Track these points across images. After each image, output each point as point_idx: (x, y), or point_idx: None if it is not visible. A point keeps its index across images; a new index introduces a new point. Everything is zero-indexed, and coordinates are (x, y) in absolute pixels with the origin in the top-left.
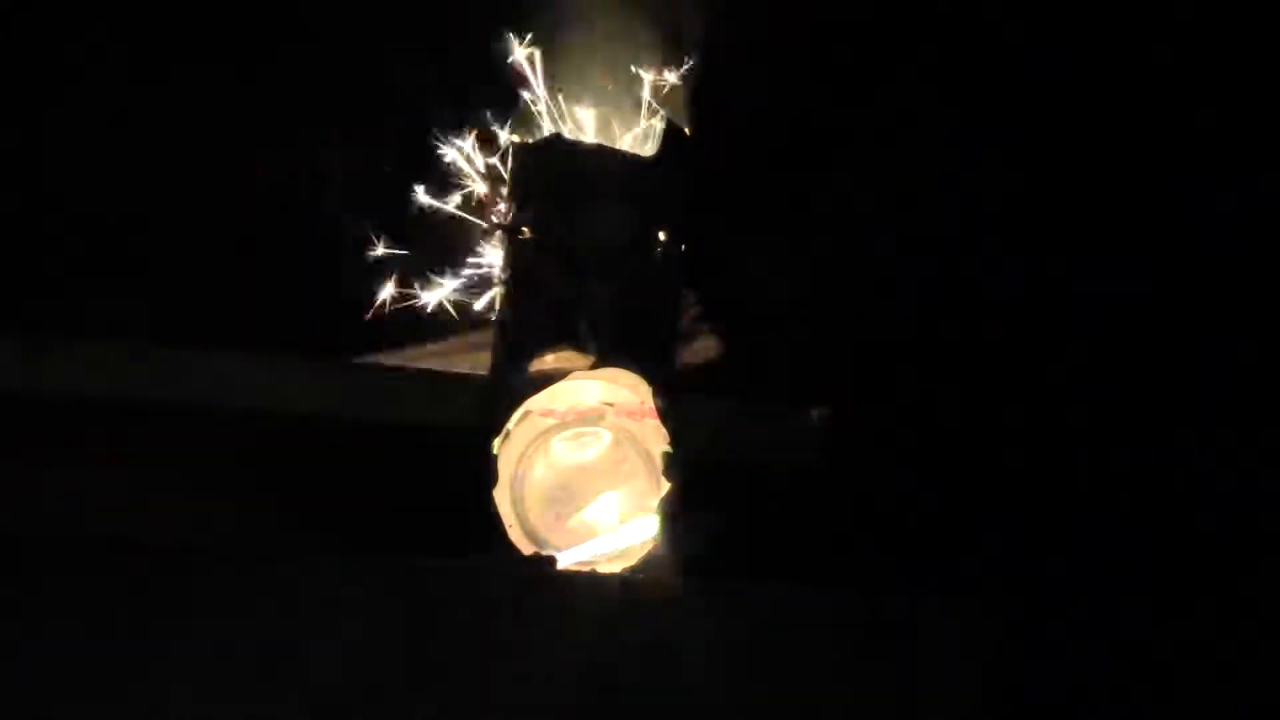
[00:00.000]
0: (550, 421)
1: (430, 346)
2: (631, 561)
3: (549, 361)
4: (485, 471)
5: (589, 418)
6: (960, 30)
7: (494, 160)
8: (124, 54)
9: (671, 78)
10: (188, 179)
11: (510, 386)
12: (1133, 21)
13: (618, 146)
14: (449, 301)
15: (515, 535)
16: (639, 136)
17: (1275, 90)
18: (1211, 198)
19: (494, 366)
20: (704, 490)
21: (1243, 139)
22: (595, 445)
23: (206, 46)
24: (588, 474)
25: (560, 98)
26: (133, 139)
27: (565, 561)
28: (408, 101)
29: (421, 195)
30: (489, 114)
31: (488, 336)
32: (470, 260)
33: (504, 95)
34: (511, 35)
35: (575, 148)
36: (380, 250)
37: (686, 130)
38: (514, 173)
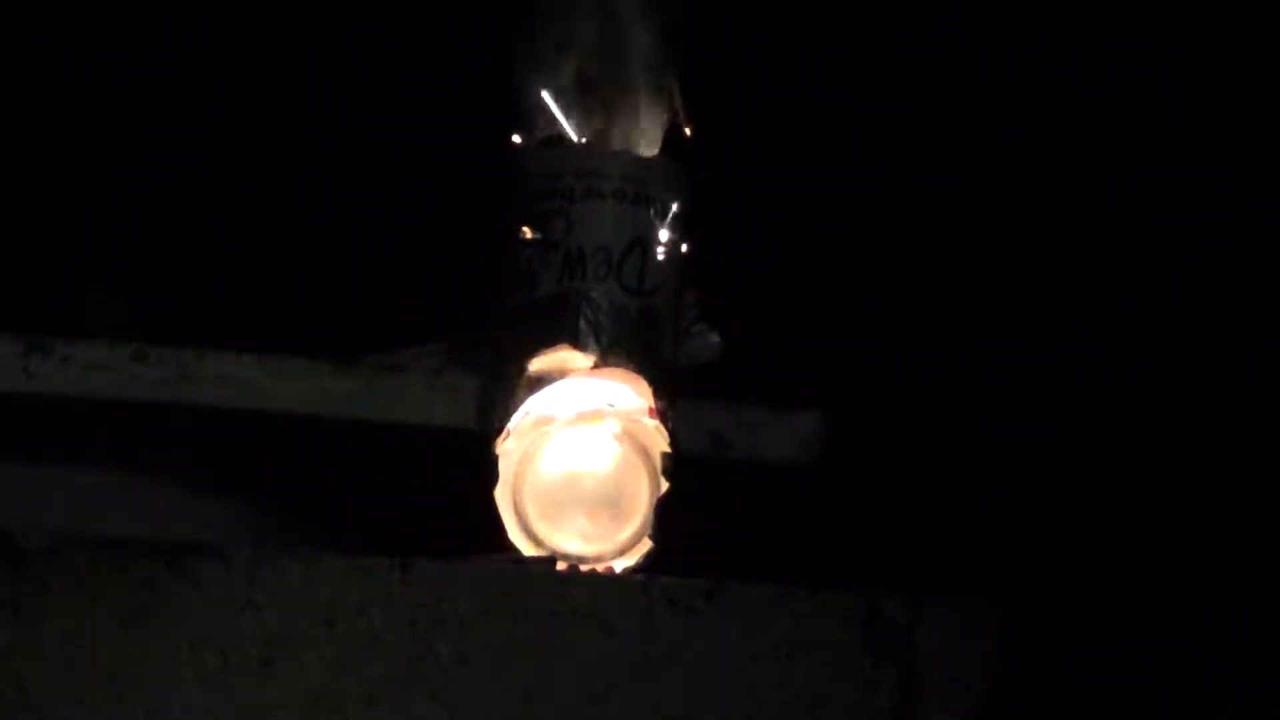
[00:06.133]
0: (550, 421)
1: (430, 346)
2: (631, 561)
3: (549, 361)
4: (485, 471)
5: (589, 418)
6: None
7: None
8: (124, 50)
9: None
10: (188, 178)
11: (510, 386)
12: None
13: (620, 145)
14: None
15: (515, 535)
16: (641, 136)
17: None
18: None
19: (494, 366)
20: (704, 490)
21: None
22: (595, 445)
23: (207, 44)
24: (588, 474)
25: (562, 96)
26: (132, 137)
27: (565, 561)
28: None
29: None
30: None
31: (485, 338)
32: (471, 260)
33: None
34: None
35: (576, 147)
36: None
37: (688, 130)
38: (514, 172)
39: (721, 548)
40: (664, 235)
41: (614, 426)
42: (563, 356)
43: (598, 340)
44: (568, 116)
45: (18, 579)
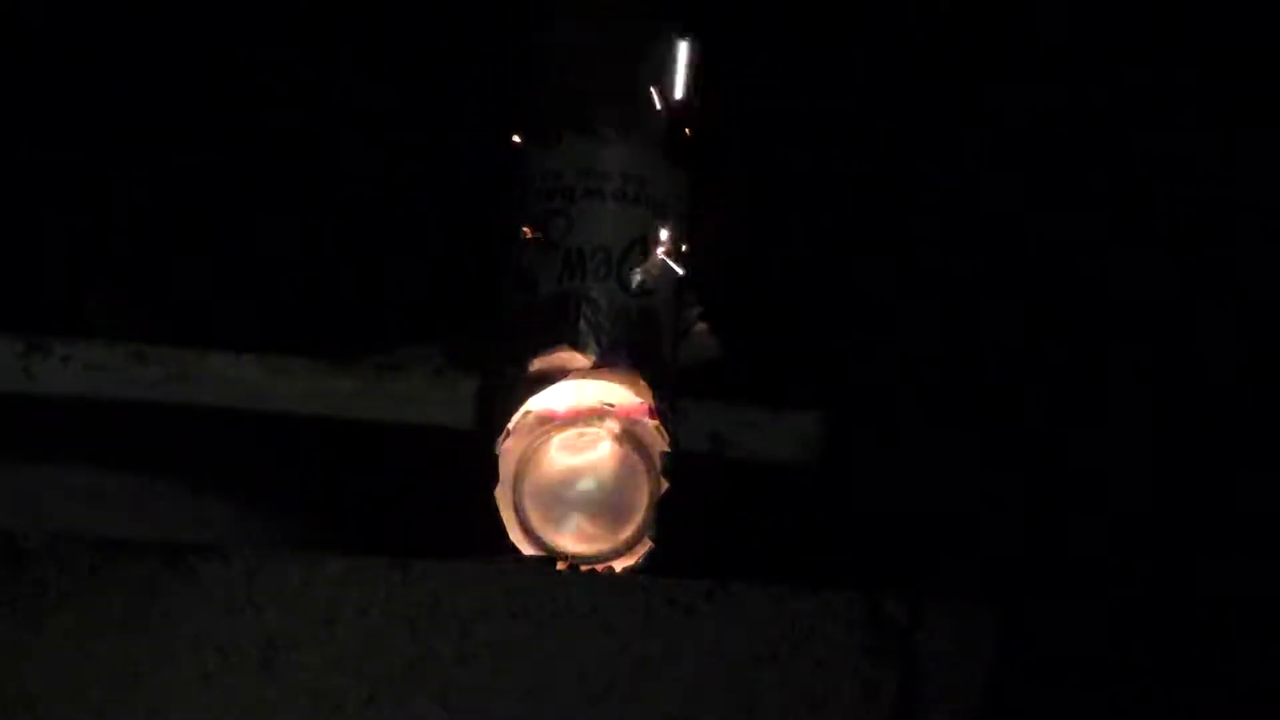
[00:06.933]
0: (550, 421)
1: (430, 346)
2: (631, 561)
3: (549, 361)
4: (486, 471)
5: (589, 418)
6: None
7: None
8: (124, 50)
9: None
10: (188, 178)
11: (510, 386)
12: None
13: (620, 145)
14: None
15: (515, 535)
16: (641, 136)
17: None
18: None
19: (493, 366)
20: (704, 490)
21: None
22: (595, 445)
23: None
24: (588, 474)
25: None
26: (132, 137)
27: (565, 561)
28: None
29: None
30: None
31: (485, 337)
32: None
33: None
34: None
35: (576, 147)
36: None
37: (689, 130)
38: (514, 172)
39: (721, 548)
40: (664, 235)
41: (614, 426)
42: (563, 356)
43: (598, 340)
44: (568, 116)
45: (18, 579)
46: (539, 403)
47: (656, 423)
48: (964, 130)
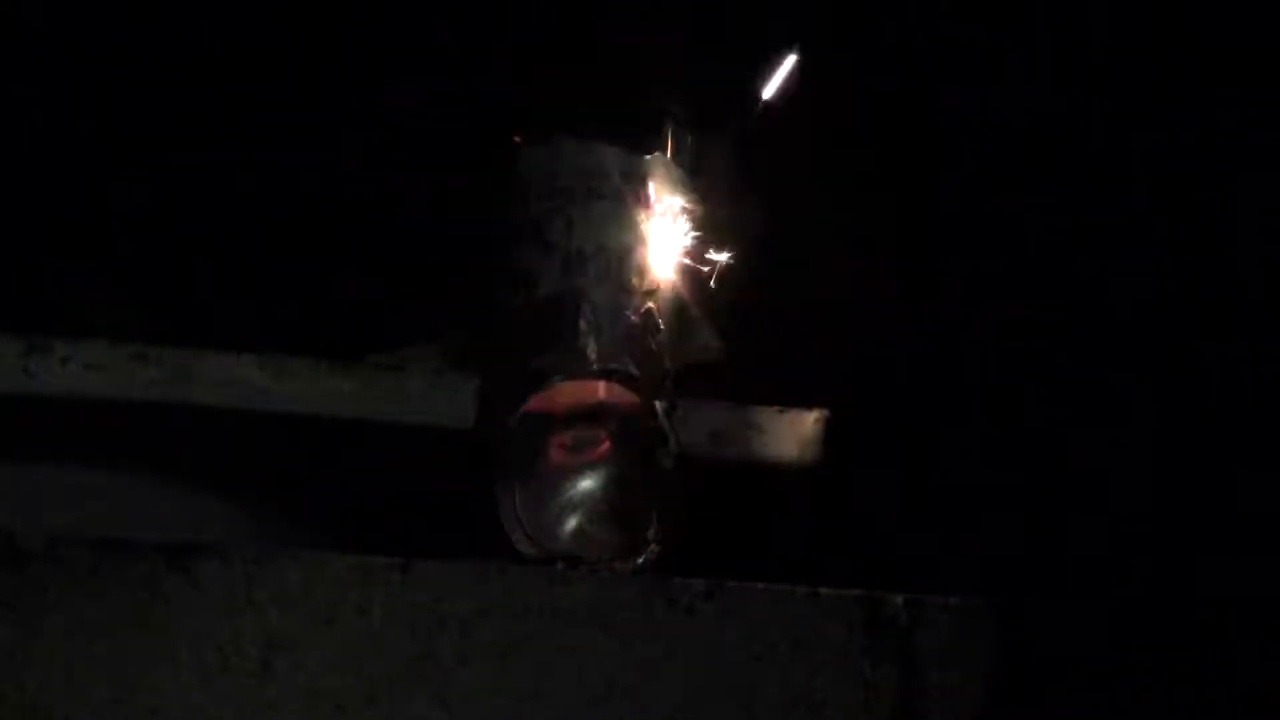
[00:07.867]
0: (550, 422)
1: (430, 346)
2: (631, 561)
3: (549, 361)
4: (485, 471)
5: (589, 417)
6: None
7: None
8: (124, 50)
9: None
10: (188, 178)
11: (509, 387)
12: None
13: (619, 146)
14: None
15: (515, 535)
16: (641, 137)
17: None
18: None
19: (493, 367)
20: (704, 490)
21: None
22: (595, 445)
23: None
24: (588, 474)
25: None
26: (132, 137)
27: (565, 561)
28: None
29: None
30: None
31: (485, 337)
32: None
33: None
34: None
35: (576, 147)
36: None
37: (688, 130)
38: (514, 171)
39: (721, 548)
40: (664, 235)
41: (614, 426)
42: (563, 357)
43: (598, 340)
44: (568, 117)
45: (18, 579)
46: (539, 403)
47: (656, 423)
48: (964, 131)
